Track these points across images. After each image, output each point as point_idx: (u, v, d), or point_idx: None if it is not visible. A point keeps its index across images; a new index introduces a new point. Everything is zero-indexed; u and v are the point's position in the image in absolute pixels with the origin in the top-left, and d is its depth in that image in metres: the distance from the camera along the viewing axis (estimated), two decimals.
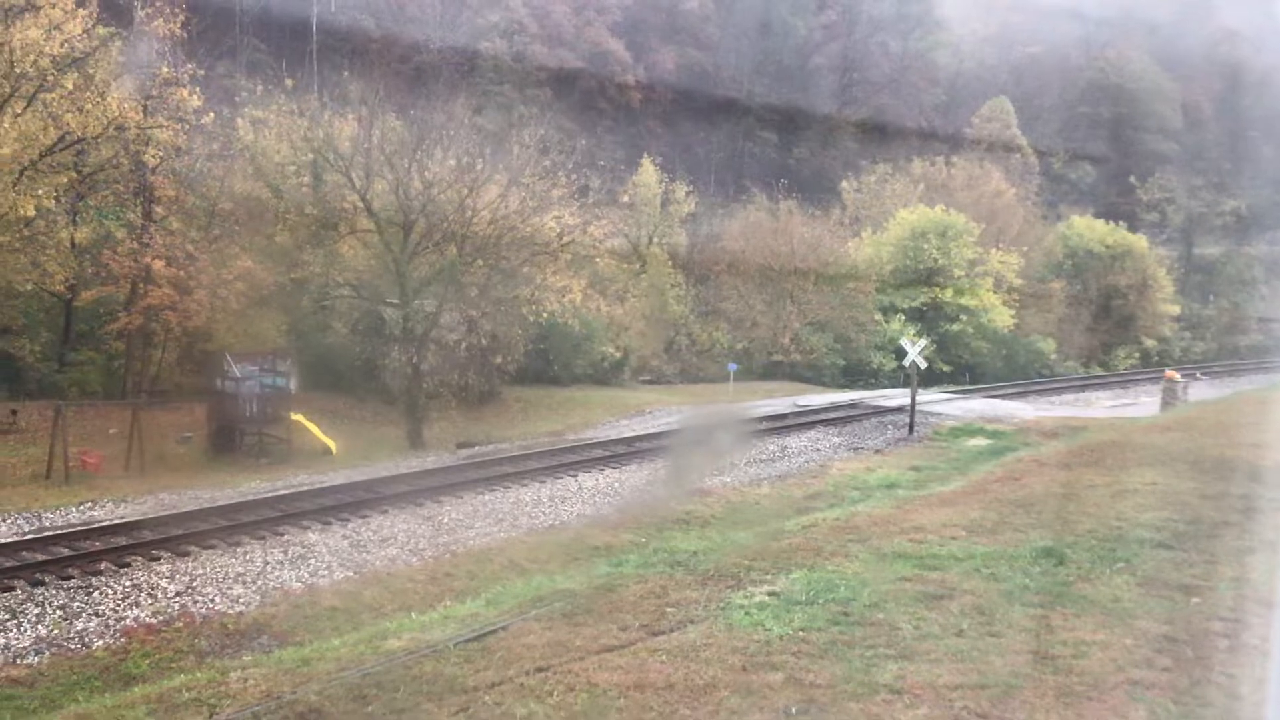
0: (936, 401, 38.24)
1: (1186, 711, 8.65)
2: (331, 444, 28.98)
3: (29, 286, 30.70)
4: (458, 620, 12.70)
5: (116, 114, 28.90)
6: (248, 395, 28.28)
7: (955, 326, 52.65)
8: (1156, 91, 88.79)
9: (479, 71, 69.26)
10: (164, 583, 16.60)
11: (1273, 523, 14.92)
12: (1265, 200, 75.72)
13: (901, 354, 38.69)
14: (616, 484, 25.21)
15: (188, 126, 31.67)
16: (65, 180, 30.33)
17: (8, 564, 16.68)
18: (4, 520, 20.20)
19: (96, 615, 15.28)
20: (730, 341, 50.35)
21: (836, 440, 31.77)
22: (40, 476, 24.46)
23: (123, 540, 18.33)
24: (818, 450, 30.26)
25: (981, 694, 9.03)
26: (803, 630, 10.91)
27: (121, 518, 20.33)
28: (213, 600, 16.13)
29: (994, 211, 60.35)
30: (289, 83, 37.07)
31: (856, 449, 30.66)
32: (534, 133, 36.39)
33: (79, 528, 19.30)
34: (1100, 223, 66.35)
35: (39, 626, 14.77)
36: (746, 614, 11.57)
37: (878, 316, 52.60)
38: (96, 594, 15.97)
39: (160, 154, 31.08)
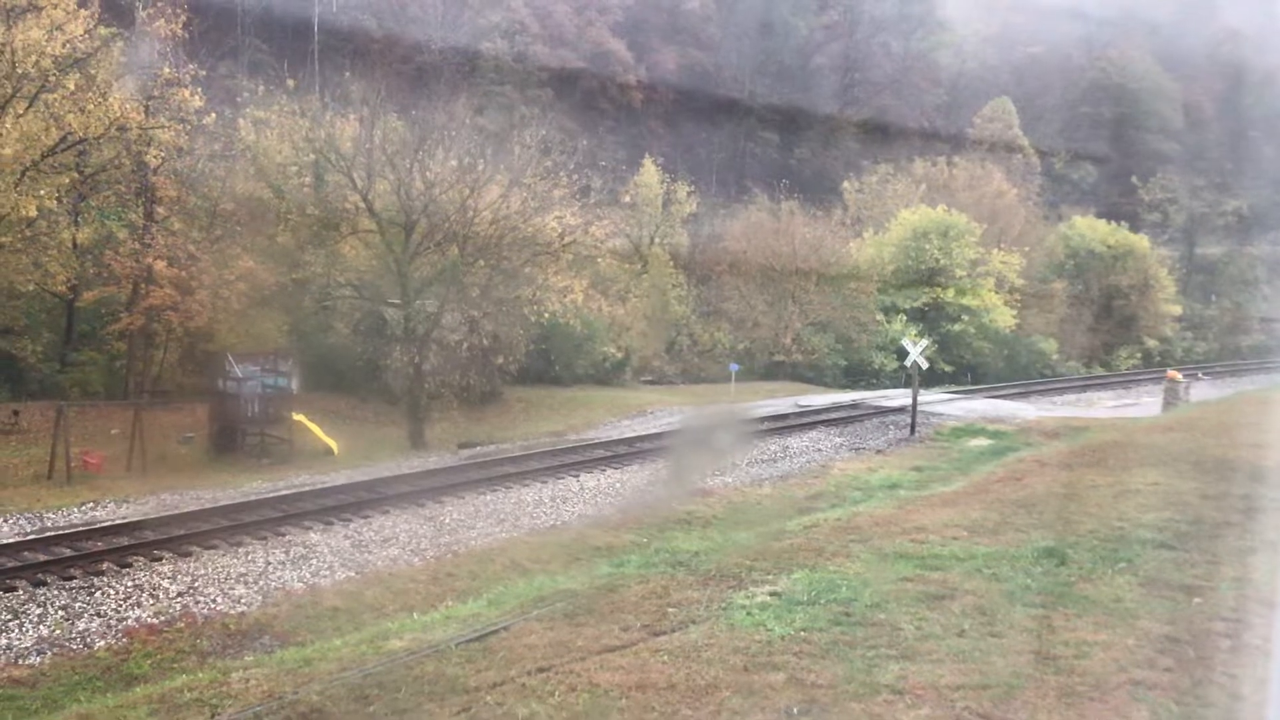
0: (938, 402, 38.24)
1: (1188, 712, 8.64)
2: (333, 444, 28.99)
3: (31, 287, 30.71)
4: (459, 620, 12.71)
5: (118, 114, 28.91)
6: (249, 395, 28.28)
7: (957, 327, 52.62)
8: (1158, 91, 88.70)
9: (480, 72, 69.22)
10: (166, 583, 16.61)
11: (1274, 523, 14.91)
12: (1267, 200, 75.62)
13: (903, 354, 38.69)
14: (618, 484, 25.21)
15: (189, 127, 31.67)
16: (67, 181, 30.33)
17: (10, 564, 16.70)
18: (6, 520, 20.22)
19: (98, 615, 15.29)
20: (732, 342, 50.34)
21: (838, 440, 31.76)
22: (42, 477, 24.47)
23: (124, 540, 18.34)
24: (819, 450, 30.26)
25: (983, 694, 9.03)
26: (804, 630, 10.91)
27: (123, 518, 20.35)
28: (214, 600, 16.14)
29: (995, 212, 60.32)
30: (291, 83, 37.09)
31: (858, 449, 30.66)
32: (535, 133, 36.37)
33: (81, 528, 19.32)
34: (1102, 223, 66.30)
35: (41, 627, 14.78)
36: (748, 614, 11.58)
37: (879, 317, 52.58)
38: (98, 594, 15.99)
39: (162, 154, 31.08)
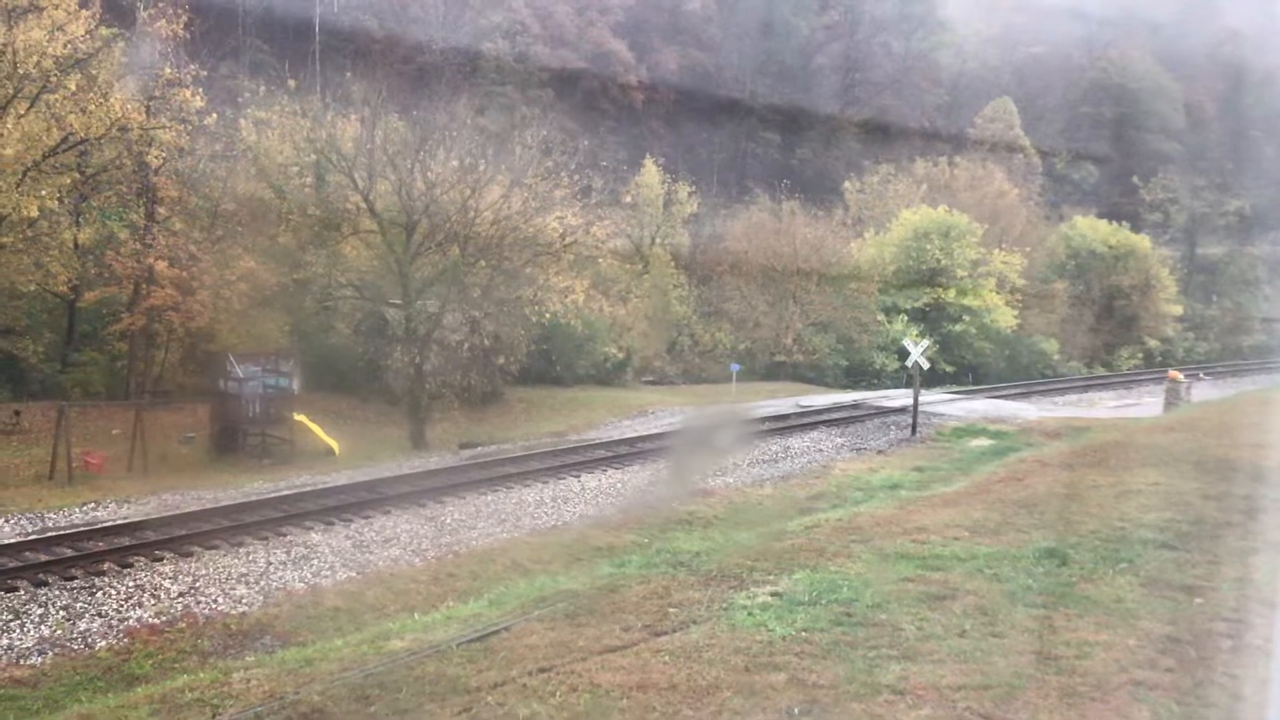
0: (939, 402, 38.25)
1: (1190, 712, 8.64)
2: (334, 444, 28.99)
3: (32, 287, 30.73)
4: (460, 621, 12.71)
5: (119, 115, 28.92)
6: (250, 396, 28.29)
7: (958, 327, 52.61)
8: (1159, 91, 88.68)
9: (481, 72, 69.25)
10: (167, 583, 16.62)
11: (1276, 523, 14.91)
12: (1268, 200, 75.60)
13: (904, 355, 38.67)
14: (619, 484, 25.21)
15: (190, 127, 31.67)
16: (68, 181, 30.34)
17: (11, 564, 16.71)
18: (7, 521, 20.23)
19: (99, 616, 15.30)
20: (733, 342, 50.33)
21: (839, 441, 31.76)
22: (43, 477, 24.47)
23: (126, 541, 18.35)
24: (820, 451, 30.25)
25: (984, 694, 9.03)
26: (805, 631, 10.91)
27: (124, 518, 20.36)
28: (216, 600, 16.14)
29: (997, 212, 60.31)
30: (292, 83, 37.06)
31: (859, 449, 30.65)
32: (536, 133, 36.37)
33: (82, 528, 19.33)
34: (1103, 223, 66.28)
35: (42, 627, 14.79)
36: (749, 614, 11.58)
37: (880, 317, 52.57)
38: (99, 594, 15.99)
39: (163, 155, 31.07)
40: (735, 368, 43.04)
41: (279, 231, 33.31)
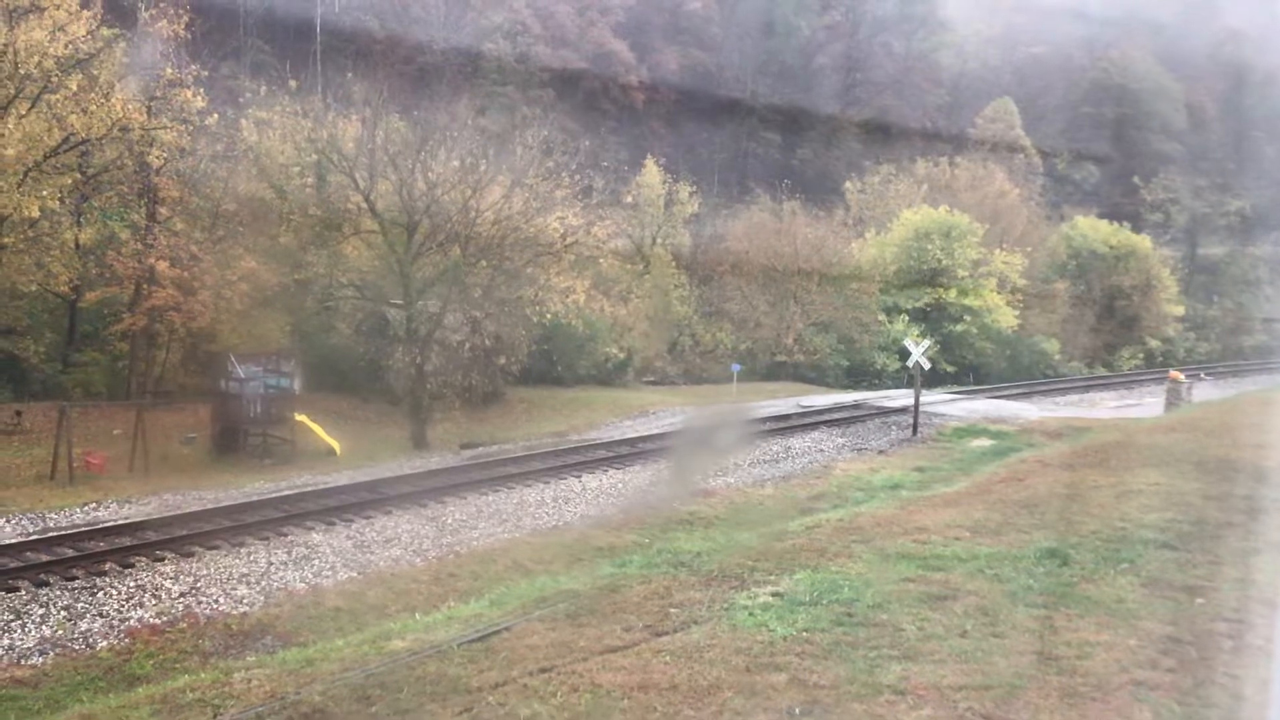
0: (940, 402, 38.25)
1: (1190, 713, 8.64)
2: (335, 445, 28.99)
3: (34, 287, 30.75)
4: (461, 621, 12.71)
5: (120, 115, 28.93)
6: (252, 396, 28.30)
7: (959, 327, 52.60)
8: (1160, 92, 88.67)
9: (482, 72, 69.27)
10: (168, 583, 16.63)
11: (1277, 523, 14.91)
12: (1269, 200, 75.60)
13: (905, 355, 38.66)
14: (620, 485, 25.21)
15: (192, 127, 31.70)
16: (69, 181, 30.36)
17: (12, 565, 16.71)
18: (9, 521, 20.24)
19: (101, 616, 15.30)
20: (734, 342, 50.31)
21: (840, 441, 31.75)
22: (45, 477, 24.47)
23: (127, 541, 18.35)
24: (821, 451, 30.25)
25: (985, 695, 9.03)
26: (806, 631, 10.92)
27: (126, 518, 20.36)
28: (217, 601, 16.15)
29: (998, 212, 60.28)
30: (293, 84, 37.09)
31: (860, 450, 30.64)
32: (537, 133, 36.35)
33: (83, 528, 19.33)
34: (1104, 223, 66.25)
35: (43, 627, 14.79)
36: (750, 615, 11.58)
37: (881, 317, 52.56)
38: (101, 594, 16.00)
39: (164, 155, 31.09)
40: (736, 368, 43.05)
41: (280, 232, 33.32)
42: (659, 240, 53.58)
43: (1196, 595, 11.57)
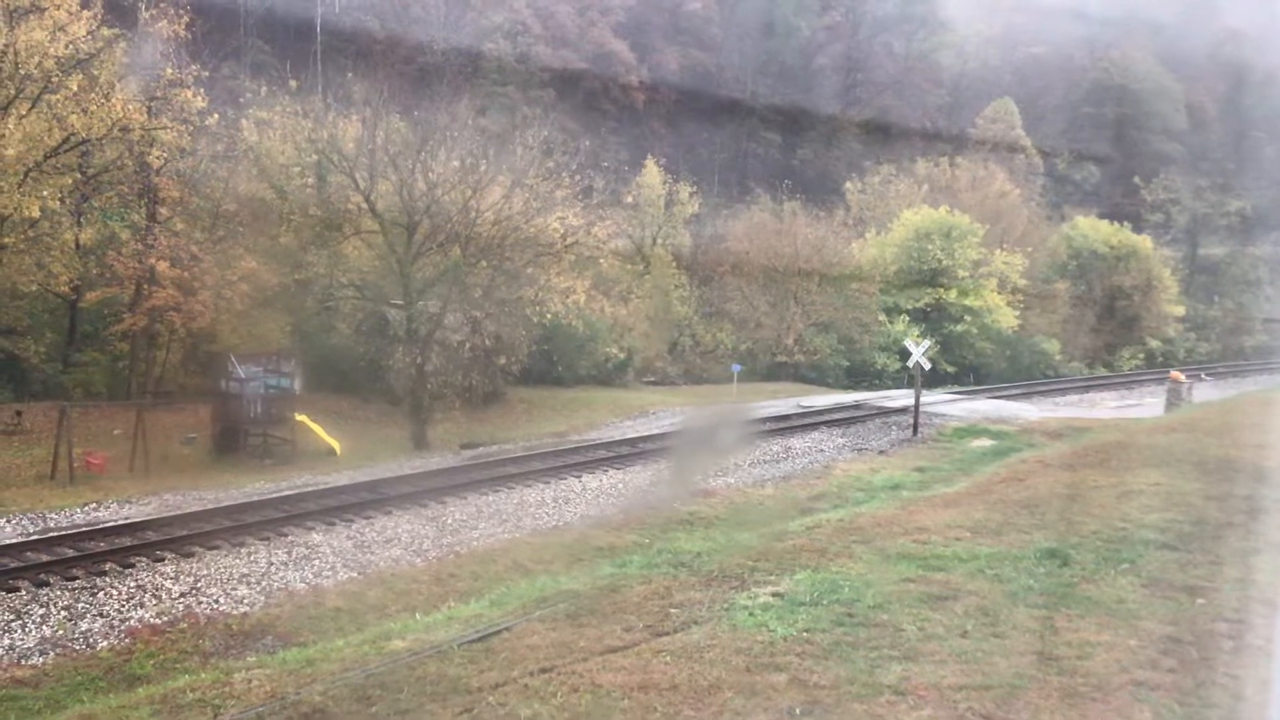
0: (941, 402, 38.25)
1: (1191, 713, 8.64)
2: (335, 445, 28.99)
3: (34, 288, 30.75)
4: (462, 621, 12.71)
5: (121, 115, 28.92)
6: (252, 396, 28.30)
7: (959, 327, 52.60)
8: (1160, 92, 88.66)
9: (483, 73, 69.28)
10: (168, 583, 16.63)
11: (1277, 524, 14.91)
12: (1270, 201, 75.60)
13: (905, 355, 38.65)
14: (620, 485, 25.21)
15: (192, 128, 31.69)
16: (70, 181, 30.36)
17: (13, 565, 16.72)
18: (9, 521, 20.24)
19: (101, 616, 15.30)
20: (734, 342, 50.30)
21: (840, 441, 31.75)
22: (45, 477, 24.48)
23: (127, 541, 18.36)
24: (822, 451, 30.25)
25: (986, 695, 9.03)
26: (807, 631, 10.92)
27: (126, 518, 20.37)
28: (217, 601, 16.15)
29: (998, 212, 60.27)
30: (293, 84, 37.09)
31: (860, 450, 30.64)
32: (538, 134, 36.32)
33: (84, 528, 19.34)
34: (1104, 223, 66.23)
35: (44, 627, 14.80)
36: (750, 615, 11.58)
37: (882, 317, 52.56)
38: (101, 595, 16.00)
39: (165, 155, 31.10)
40: (736, 368, 43.05)
41: (280, 232, 33.31)
42: (659, 240, 53.58)
43: (1197, 595, 11.57)
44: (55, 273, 30.28)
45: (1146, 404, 39.77)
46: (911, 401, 33.79)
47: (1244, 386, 47.96)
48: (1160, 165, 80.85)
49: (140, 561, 17.40)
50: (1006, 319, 53.85)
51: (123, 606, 15.65)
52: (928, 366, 34.97)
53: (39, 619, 15.00)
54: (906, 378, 43.61)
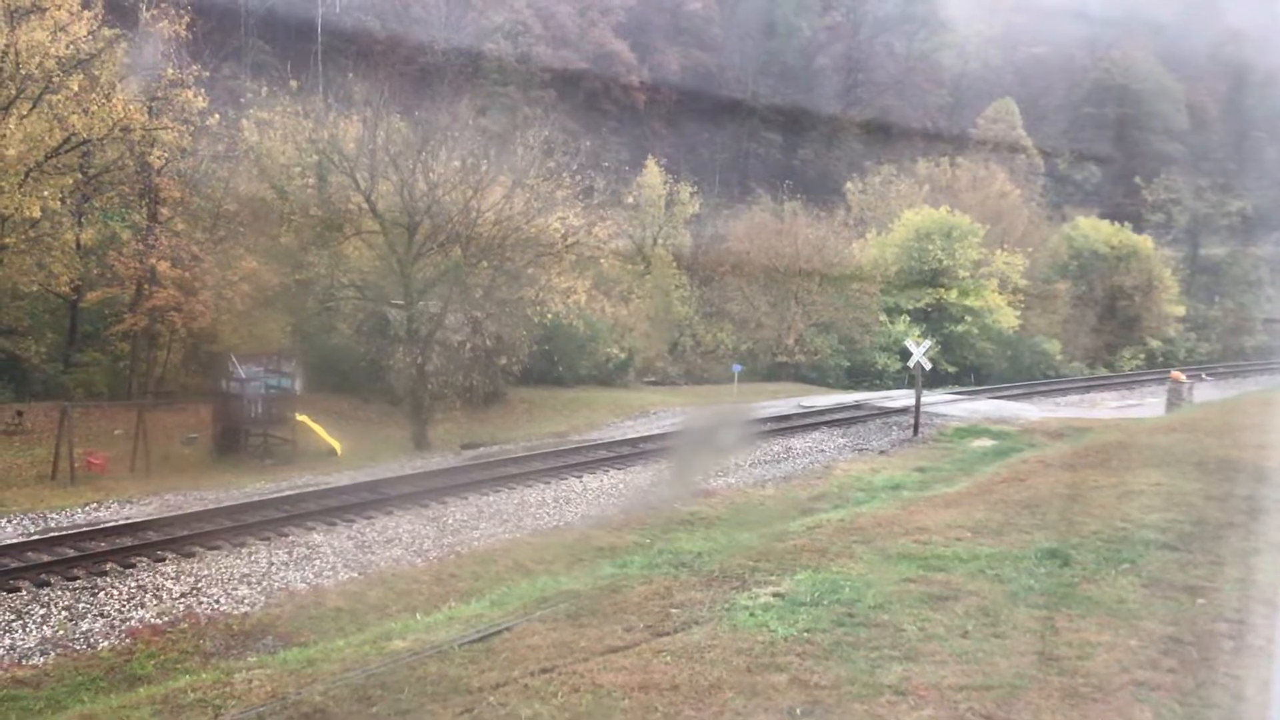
0: (941, 402, 38.25)
1: (1191, 713, 8.64)
2: (336, 445, 29.00)
3: (34, 288, 30.76)
4: (462, 621, 12.72)
5: (122, 115, 28.94)
6: (252, 396, 28.31)
7: (960, 327, 52.60)
8: (1161, 92, 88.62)
9: (483, 73, 69.27)
10: (169, 583, 16.63)
11: (1278, 524, 14.90)
12: (1271, 201, 75.58)
13: (906, 355, 38.64)
14: (621, 485, 25.22)
15: (193, 128, 31.72)
16: (70, 182, 30.37)
17: (14, 565, 16.73)
18: (10, 521, 20.25)
19: (102, 616, 15.31)
20: (735, 343, 50.30)
21: (841, 441, 31.75)
22: (46, 477, 24.49)
23: (128, 541, 18.37)
24: (822, 451, 30.25)
25: (986, 695, 9.02)
26: (807, 631, 10.92)
27: (127, 518, 20.38)
28: (218, 601, 16.15)
29: (999, 212, 60.27)
30: (294, 84, 37.10)
31: (861, 450, 30.64)
32: (538, 134, 36.33)
33: (84, 528, 19.35)
34: (1105, 223, 66.23)
35: (44, 627, 14.80)
36: (751, 615, 11.58)
37: (882, 318, 52.56)
38: (102, 595, 16.01)
39: (165, 155, 31.11)
40: (737, 368, 43.05)
41: (281, 232, 33.32)
42: (660, 240, 53.57)
43: (1197, 596, 11.57)
44: (56, 273, 30.30)
45: (1147, 404, 39.77)
46: (912, 401, 33.79)
47: (1245, 387, 47.95)
48: (1161, 165, 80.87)
49: (141, 561, 17.40)
50: (1007, 319, 53.86)
51: (123, 606, 15.66)
52: (928, 367, 34.98)
53: (40, 619, 15.00)
54: (907, 378, 43.60)
